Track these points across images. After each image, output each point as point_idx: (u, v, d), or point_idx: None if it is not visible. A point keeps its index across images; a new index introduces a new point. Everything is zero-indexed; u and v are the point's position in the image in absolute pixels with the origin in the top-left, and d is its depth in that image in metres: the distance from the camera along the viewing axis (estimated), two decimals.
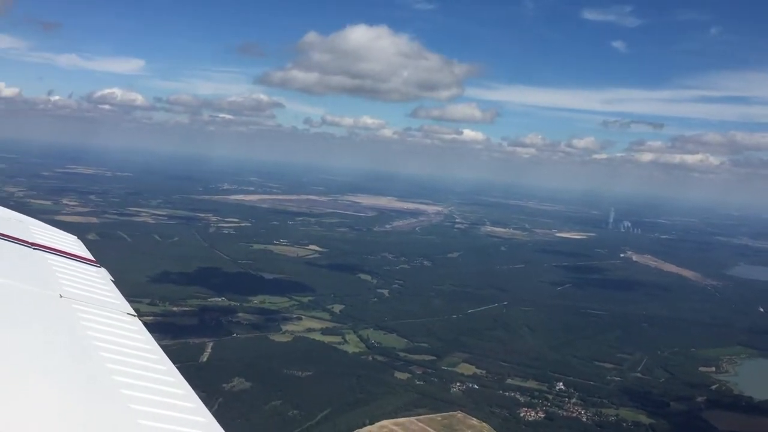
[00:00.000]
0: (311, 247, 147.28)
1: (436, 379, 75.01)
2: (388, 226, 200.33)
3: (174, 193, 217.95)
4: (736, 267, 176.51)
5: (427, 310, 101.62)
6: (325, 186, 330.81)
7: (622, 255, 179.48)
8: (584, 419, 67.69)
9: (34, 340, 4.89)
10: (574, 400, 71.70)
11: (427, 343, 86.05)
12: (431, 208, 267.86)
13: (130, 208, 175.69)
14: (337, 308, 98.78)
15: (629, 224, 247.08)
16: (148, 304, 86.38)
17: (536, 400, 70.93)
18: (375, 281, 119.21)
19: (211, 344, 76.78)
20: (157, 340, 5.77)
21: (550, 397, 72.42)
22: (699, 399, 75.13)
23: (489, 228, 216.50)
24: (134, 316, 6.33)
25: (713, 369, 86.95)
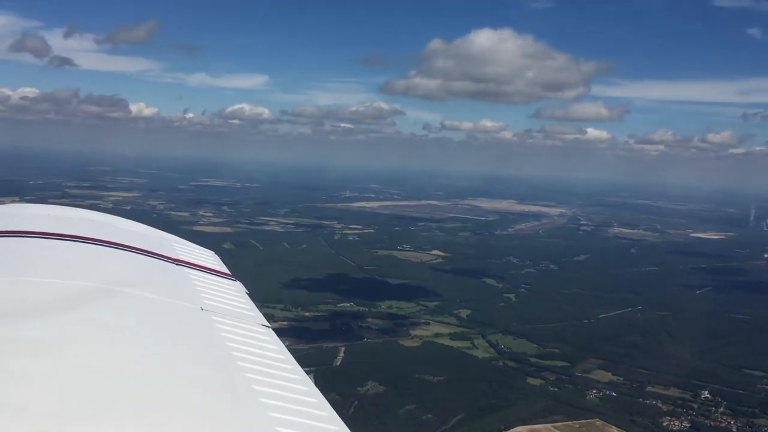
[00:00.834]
0: (434, 252, 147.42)
1: (570, 386, 72.89)
2: (510, 230, 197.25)
3: (299, 202, 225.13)
4: None
5: (556, 315, 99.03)
6: (444, 191, 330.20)
7: (766, 255, 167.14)
8: (734, 430, 63.52)
9: (181, 350, 5.21)
10: (721, 410, 67.30)
11: (559, 349, 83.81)
12: (554, 210, 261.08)
13: (260, 218, 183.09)
14: (464, 313, 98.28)
15: None
16: (282, 309, 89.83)
17: (680, 409, 67.21)
18: (500, 285, 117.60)
19: (343, 348, 78.59)
20: (293, 344, 5.91)
21: (695, 406, 68.42)
22: None
23: (617, 229, 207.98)
24: (268, 327, 6.49)
25: None
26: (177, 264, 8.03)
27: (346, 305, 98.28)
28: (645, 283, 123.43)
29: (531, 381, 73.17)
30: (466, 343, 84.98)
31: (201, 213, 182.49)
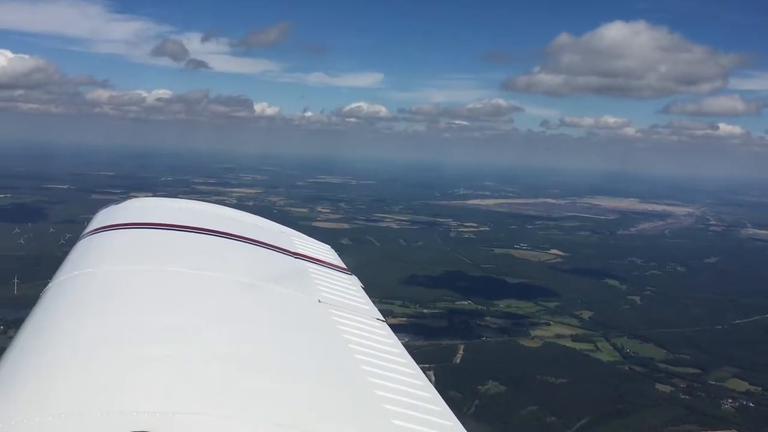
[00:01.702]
0: (552, 251, 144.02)
1: (703, 394, 69.00)
2: (633, 230, 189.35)
3: (414, 199, 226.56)
4: None
5: (685, 319, 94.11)
6: (561, 189, 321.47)
7: None
8: None
9: (300, 340, 5.42)
10: None
11: (690, 355, 79.58)
12: (680, 210, 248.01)
13: (376, 214, 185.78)
14: (586, 314, 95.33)
15: None
16: (400, 305, 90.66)
17: None
18: (624, 287, 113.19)
19: (462, 346, 78.28)
20: (411, 340, 5.87)
21: None
22: None
23: (751, 230, 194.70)
24: (383, 321, 6.53)
25: None
26: (296, 257, 8.33)
27: (464, 303, 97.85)
28: None
29: (660, 387, 69.87)
30: (589, 346, 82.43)
31: (319, 209, 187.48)
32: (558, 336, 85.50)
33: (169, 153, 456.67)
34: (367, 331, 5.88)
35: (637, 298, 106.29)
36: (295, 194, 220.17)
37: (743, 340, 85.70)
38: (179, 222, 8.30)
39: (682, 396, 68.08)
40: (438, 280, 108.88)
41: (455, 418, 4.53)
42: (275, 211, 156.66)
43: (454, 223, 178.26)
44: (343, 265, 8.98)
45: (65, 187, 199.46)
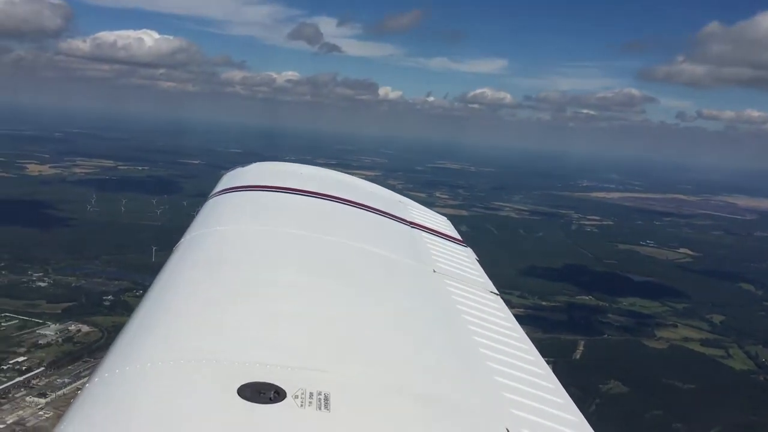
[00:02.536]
0: (682, 250, 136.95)
1: None
2: None
3: (534, 189, 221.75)
4: None
5: None
6: (694, 185, 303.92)
7: None
8: None
9: (415, 307, 5.44)
10: None
11: None
12: None
13: (494, 203, 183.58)
14: (717, 319, 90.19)
15: None
16: (518, 296, 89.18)
17: None
18: (760, 293, 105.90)
19: (582, 342, 76.34)
20: (530, 332, 5.55)
21: None
22: None
23: None
24: (497, 294, 6.43)
25: None
26: (412, 227, 8.37)
27: (585, 298, 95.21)
28: None
29: None
30: (720, 352, 78.09)
31: (437, 195, 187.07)
32: (686, 339, 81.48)
33: (293, 133, 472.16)
34: (481, 303, 5.92)
35: None
36: (413, 179, 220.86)
37: None
38: (301, 186, 8.58)
39: None
40: (558, 273, 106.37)
41: (567, 395, 4.36)
42: None
43: (575, 216, 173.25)
44: (459, 237, 9.04)
45: (197, 162, 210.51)
